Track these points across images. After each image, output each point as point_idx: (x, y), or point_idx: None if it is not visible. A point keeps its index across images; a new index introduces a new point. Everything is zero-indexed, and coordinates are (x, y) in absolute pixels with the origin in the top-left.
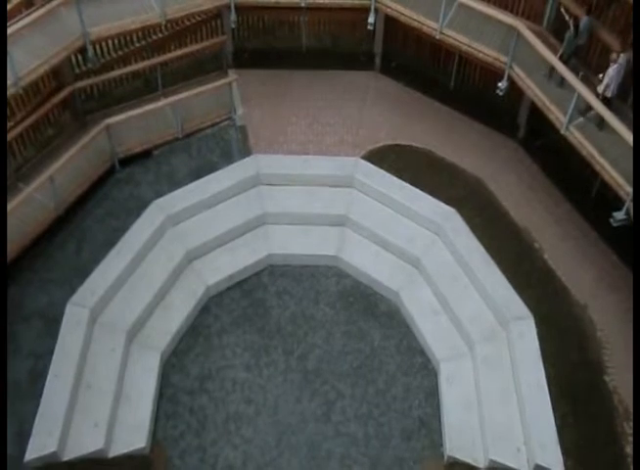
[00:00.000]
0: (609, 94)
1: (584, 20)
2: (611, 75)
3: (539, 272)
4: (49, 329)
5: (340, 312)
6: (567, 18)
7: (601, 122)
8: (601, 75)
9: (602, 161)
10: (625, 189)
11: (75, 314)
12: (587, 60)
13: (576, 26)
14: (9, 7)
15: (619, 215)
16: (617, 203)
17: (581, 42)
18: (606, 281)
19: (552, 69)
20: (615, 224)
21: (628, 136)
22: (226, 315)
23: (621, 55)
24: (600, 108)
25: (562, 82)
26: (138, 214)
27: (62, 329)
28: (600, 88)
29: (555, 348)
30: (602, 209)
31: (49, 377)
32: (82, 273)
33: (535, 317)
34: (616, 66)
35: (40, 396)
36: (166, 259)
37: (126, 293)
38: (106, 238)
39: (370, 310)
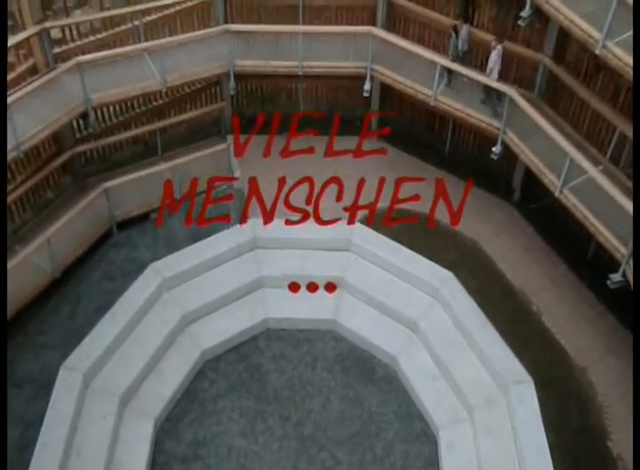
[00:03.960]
0: (494, 77)
1: (464, 28)
2: (494, 60)
3: (537, 335)
4: (40, 395)
5: (337, 377)
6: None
7: (489, 98)
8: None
9: (596, 223)
10: (621, 251)
11: (68, 379)
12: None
13: (456, 32)
14: (14, 75)
15: (616, 277)
16: (613, 264)
17: (465, 48)
18: (605, 344)
19: (449, 71)
20: (611, 286)
21: (620, 198)
22: (222, 380)
23: (498, 45)
24: (489, 82)
25: (450, 82)
26: (135, 277)
27: (53, 394)
28: (487, 73)
29: (555, 412)
30: (598, 270)
31: (38, 445)
32: (76, 337)
33: (535, 381)
34: (495, 51)
35: (29, 464)
36: (162, 323)
37: (120, 357)
38: (101, 301)
39: (367, 375)
